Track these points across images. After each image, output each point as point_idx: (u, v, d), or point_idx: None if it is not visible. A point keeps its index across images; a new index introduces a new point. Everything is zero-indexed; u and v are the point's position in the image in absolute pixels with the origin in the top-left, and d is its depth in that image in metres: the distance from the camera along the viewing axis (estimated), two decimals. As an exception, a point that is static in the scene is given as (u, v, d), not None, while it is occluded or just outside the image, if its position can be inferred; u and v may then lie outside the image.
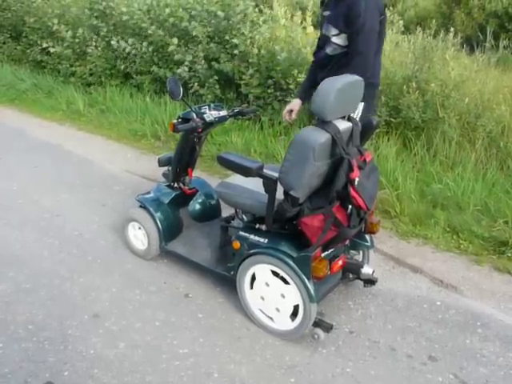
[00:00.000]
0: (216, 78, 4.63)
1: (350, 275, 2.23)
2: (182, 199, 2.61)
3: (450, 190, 3.22)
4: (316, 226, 1.85)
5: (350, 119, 1.95)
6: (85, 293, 2.33)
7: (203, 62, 4.61)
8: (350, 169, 1.80)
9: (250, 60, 4.36)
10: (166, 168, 2.62)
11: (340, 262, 2.04)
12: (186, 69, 4.69)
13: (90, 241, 2.83)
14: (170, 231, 2.52)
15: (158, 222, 2.48)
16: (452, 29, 4.03)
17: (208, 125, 2.33)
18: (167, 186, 2.62)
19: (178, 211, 2.60)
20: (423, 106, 3.70)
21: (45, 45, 6.17)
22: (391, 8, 6.00)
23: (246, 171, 1.91)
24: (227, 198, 2.18)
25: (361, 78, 1.95)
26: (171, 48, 4.71)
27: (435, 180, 3.37)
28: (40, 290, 2.34)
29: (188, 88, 4.80)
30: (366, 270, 2.11)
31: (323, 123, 1.80)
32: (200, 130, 2.29)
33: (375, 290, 2.37)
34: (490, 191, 3.20)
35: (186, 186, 2.59)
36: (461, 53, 4.49)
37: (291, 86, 4.09)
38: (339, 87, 1.75)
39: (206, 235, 2.54)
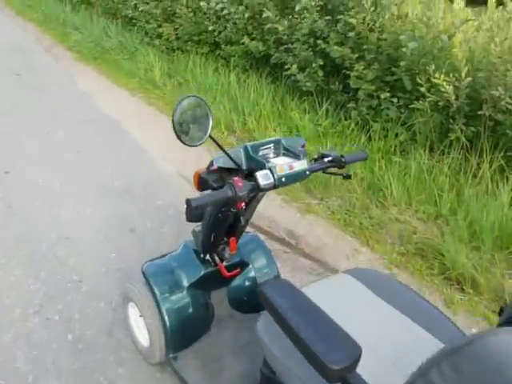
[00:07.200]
0: (320, 62, 3.45)
1: None
2: (217, 279, 1.57)
3: None
4: None
5: None
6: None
7: (310, 39, 3.46)
8: None
9: (366, 46, 3.09)
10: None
11: None
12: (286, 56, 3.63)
13: (85, 297, 1.92)
14: (183, 335, 1.50)
15: (166, 319, 1.47)
16: None
17: (262, 189, 1.21)
18: (196, 252, 1.58)
19: (208, 296, 1.58)
20: None
21: (135, 1, 5.51)
22: None
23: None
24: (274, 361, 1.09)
25: None
26: (265, 15, 3.60)
27: None
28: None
29: (282, 70, 3.69)
30: None
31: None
32: (242, 203, 1.17)
33: None
34: None
35: (224, 262, 1.52)
36: None
37: (422, 89, 2.76)
38: None
39: (243, 347, 1.50)
